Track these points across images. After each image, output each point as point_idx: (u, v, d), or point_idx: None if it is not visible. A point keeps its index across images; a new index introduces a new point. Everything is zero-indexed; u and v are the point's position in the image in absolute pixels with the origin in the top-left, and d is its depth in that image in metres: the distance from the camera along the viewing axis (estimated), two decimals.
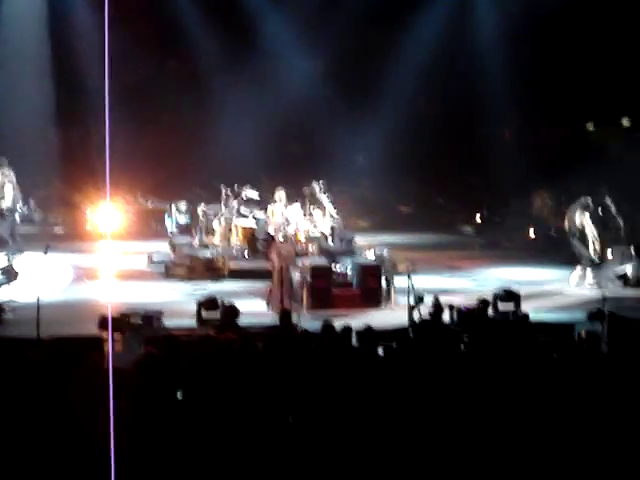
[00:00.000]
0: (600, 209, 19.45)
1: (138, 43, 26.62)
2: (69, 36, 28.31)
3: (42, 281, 13.71)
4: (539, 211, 25.44)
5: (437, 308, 13.26)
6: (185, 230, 22.43)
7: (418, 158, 28.68)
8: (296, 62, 27.29)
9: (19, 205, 19.38)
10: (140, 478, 8.24)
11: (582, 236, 18.94)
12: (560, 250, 21.52)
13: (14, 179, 19.60)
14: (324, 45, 26.49)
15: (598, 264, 18.88)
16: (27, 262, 18.17)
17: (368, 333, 11.01)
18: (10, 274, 17.15)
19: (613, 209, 19.87)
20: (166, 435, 8.79)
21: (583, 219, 18.92)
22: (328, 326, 12.16)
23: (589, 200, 19.23)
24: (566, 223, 19.43)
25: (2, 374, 9.81)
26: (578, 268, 18.82)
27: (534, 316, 14.95)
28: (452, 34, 26.93)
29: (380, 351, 10.76)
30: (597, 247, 18.84)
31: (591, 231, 18.91)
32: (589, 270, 18.81)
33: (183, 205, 23.27)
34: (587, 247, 18.88)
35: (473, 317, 13.20)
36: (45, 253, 13.98)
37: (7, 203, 18.97)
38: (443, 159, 29.18)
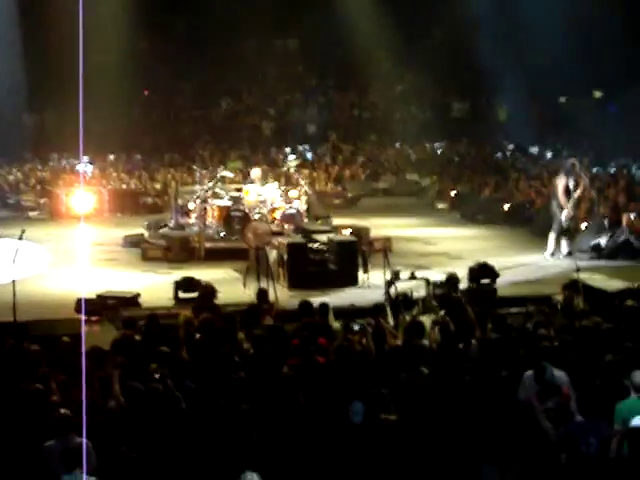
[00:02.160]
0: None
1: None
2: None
3: (18, 265, 13.66)
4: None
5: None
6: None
7: None
8: None
9: None
10: (114, 462, 8.26)
11: (558, 200, 18.83)
12: (534, 222, 21.63)
13: None
14: None
15: (568, 232, 18.85)
16: (2, 246, 18.09)
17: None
18: None
19: (586, 181, 19.86)
20: (144, 417, 8.81)
21: (564, 182, 18.77)
22: (305, 303, 12.24)
23: (576, 164, 19.17)
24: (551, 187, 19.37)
25: None
26: (550, 235, 18.76)
27: (508, 289, 15.14)
28: None
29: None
30: (571, 214, 18.70)
31: (569, 197, 18.71)
32: (563, 239, 18.78)
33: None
34: (561, 212, 18.76)
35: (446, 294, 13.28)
36: (20, 238, 13.92)
37: None
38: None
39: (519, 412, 8.93)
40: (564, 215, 18.63)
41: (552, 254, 18.64)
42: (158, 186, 26.00)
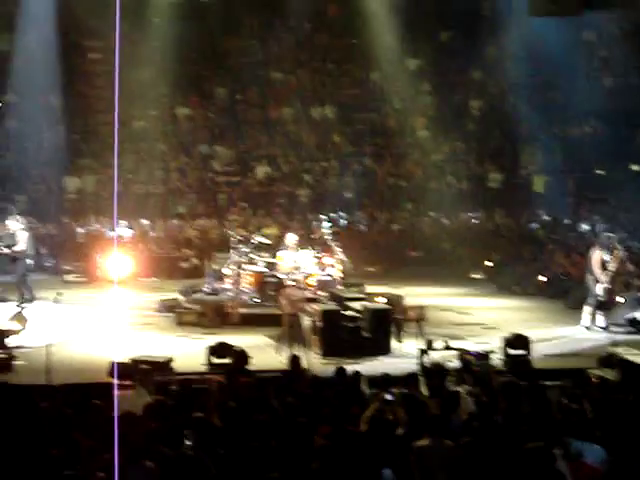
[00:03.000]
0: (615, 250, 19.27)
1: None
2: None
3: (53, 328, 13.74)
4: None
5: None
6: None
7: None
8: None
9: (31, 252, 19.44)
10: None
11: (593, 274, 18.82)
12: (570, 294, 21.50)
13: (27, 226, 19.72)
14: None
15: (604, 305, 18.77)
16: (38, 309, 18.21)
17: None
18: (21, 321, 17.18)
19: (622, 254, 19.79)
20: None
21: (600, 256, 18.76)
22: (341, 370, 12.22)
23: (612, 238, 19.17)
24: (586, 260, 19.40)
25: (12, 421, 9.83)
26: (585, 308, 18.69)
27: (544, 361, 15.02)
28: None
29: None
30: (607, 287, 18.66)
31: (605, 270, 18.70)
32: (599, 313, 18.71)
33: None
34: (596, 285, 18.72)
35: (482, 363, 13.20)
36: (56, 301, 14.02)
37: (20, 249, 19.04)
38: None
39: None
40: (599, 289, 18.55)
41: (587, 327, 18.53)
42: (194, 251, 26.13)
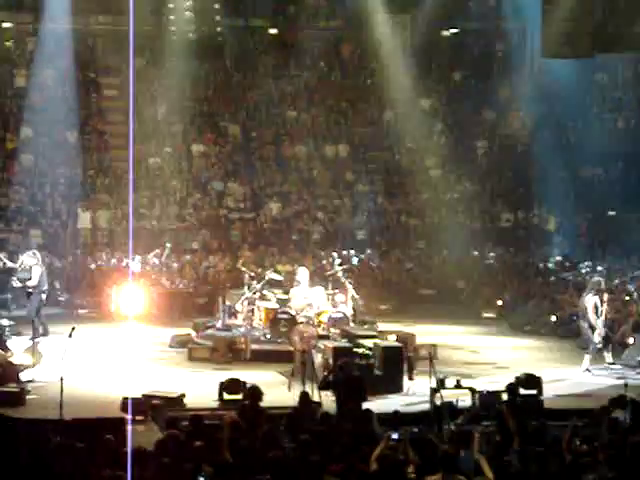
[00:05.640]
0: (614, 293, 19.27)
1: None
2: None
3: (66, 362, 13.80)
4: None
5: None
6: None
7: None
8: None
9: (45, 286, 19.55)
10: None
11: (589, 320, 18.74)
12: (580, 334, 21.48)
13: (42, 261, 19.84)
14: None
15: (608, 341, 18.77)
16: (51, 343, 18.28)
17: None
18: (34, 355, 17.27)
19: (636, 295, 19.83)
20: None
21: (593, 302, 18.72)
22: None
23: (602, 282, 19.12)
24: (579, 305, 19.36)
25: (25, 455, 9.89)
26: (585, 356, 18.62)
27: (555, 402, 15.01)
28: None
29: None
30: (602, 333, 18.60)
31: (598, 316, 18.61)
32: (606, 354, 18.73)
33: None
34: (593, 332, 18.65)
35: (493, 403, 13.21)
36: (70, 336, 14.09)
37: (34, 283, 19.15)
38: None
39: None
40: (596, 336, 18.53)
41: (588, 370, 18.46)
42: (207, 287, 26.21)
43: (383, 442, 10.70)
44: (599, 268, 26.17)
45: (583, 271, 27.09)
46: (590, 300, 18.63)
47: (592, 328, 18.53)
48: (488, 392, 13.95)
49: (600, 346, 18.59)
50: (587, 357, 18.53)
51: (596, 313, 18.52)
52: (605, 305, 18.63)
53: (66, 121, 29.50)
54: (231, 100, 32.92)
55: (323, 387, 14.20)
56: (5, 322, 19.28)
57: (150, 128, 30.28)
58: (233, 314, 21.11)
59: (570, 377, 18.07)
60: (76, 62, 29.85)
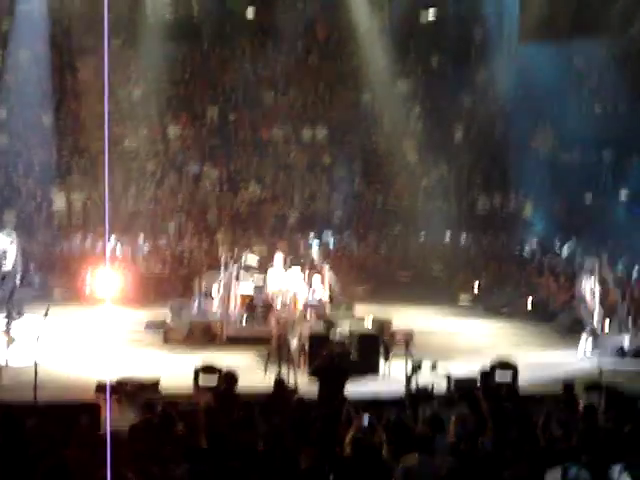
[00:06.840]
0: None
1: None
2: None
3: (40, 345, 13.72)
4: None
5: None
6: None
7: None
8: None
9: (19, 268, 19.41)
10: None
11: (586, 302, 18.84)
12: (557, 319, 21.56)
13: (16, 242, 19.68)
14: None
15: (597, 334, 18.85)
16: (26, 326, 18.18)
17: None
18: (8, 338, 17.18)
19: (611, 278, 19.89)
20: None
21: (588, 284, 18.79)
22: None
23: (596, 264, 19.19)
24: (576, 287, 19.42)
25: None
26: (583, 337, 18.72)
27: (529, 387, 15.05)
28: None
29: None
30: (599, 315, 18.70)
31: (595, 297, 18.73)
32: (589, 340, 18.77)
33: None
34: (591, 315, 18.75)
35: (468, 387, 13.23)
36: (45, 316, 14.01)
37: (8, 266, 19.00)
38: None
39: None
40: (595, 318, 18.62)
41: (585, 355, 18.56)
42: (183, 269, 26.14)
43: (354, 426, 10.69)
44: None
45: (565, 252, 27.17)
46: (587, 282, 18.75)
47: (590, 312, 18.64)
48: (463, 377, 13.96)
49: (597, 329, 18.67)
50: (584, 337, 18.61)
51: (593, 296, 18.66)
52: (601, 287, 18.75)
53: (41, 102, 29.29)
54: (208, 82, 32.78)
55: (313, 373, 14.25)
56: None
57: (126, 110, 30.10)
58: (209, 297, 21.05)
59: (545, 361, 18.12)
60: (51, 43, 29.61)
